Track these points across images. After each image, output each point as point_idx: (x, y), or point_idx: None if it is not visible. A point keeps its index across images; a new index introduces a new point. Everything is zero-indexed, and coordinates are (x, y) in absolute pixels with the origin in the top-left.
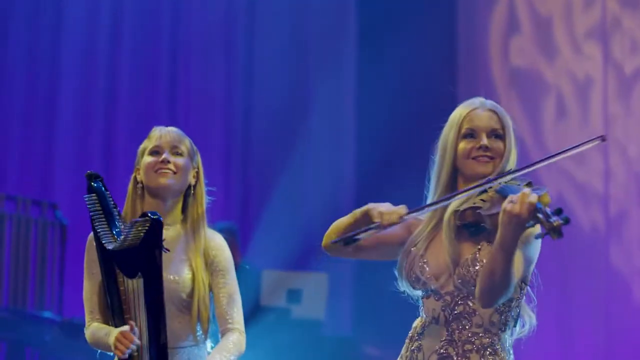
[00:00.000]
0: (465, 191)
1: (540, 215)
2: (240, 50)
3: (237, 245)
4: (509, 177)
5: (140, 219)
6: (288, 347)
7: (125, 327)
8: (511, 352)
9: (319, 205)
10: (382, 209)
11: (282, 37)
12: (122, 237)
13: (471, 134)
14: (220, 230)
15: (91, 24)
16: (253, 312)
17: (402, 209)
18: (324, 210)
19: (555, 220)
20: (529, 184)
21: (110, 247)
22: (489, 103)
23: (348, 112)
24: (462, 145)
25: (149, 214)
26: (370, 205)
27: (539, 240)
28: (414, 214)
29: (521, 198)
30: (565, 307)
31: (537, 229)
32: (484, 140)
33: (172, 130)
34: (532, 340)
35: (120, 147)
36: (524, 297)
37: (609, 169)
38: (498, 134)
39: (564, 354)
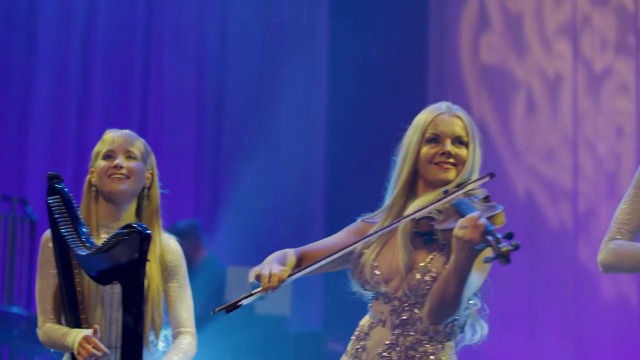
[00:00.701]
0: (403, 218)
1: (490, 239)
2: (212, 26)
3: (201, 241)
4: (461, 192)
5: (125, 230)
6: (253, 342)
7: (89, 331)
8: (455, 358)
9: (286, 201)
10: (265, 272)
11: (254, 23)
12: (101, 245)
13: (435, 139)
14: (183, 228)
15: (65, 21)
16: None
17: (283, 272)
18: (291, 206)
19: (505, 246)
20: (486, 198)
21: (82, 252)
22: (456, 108)
23: (319, 108)
24: (425, 149)
25: (136, 226)
26: (261, 266)
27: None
28: (296, 275)
29: (472, 223)
30: (534, 302)
31: (489, 251)
32: (448, 146)
33: (125, 133)
34: (502, 337)
35: (93, 143)
36: (477, 307)
37: (578, 165)
38: (462, 141)
39: (533, 349)
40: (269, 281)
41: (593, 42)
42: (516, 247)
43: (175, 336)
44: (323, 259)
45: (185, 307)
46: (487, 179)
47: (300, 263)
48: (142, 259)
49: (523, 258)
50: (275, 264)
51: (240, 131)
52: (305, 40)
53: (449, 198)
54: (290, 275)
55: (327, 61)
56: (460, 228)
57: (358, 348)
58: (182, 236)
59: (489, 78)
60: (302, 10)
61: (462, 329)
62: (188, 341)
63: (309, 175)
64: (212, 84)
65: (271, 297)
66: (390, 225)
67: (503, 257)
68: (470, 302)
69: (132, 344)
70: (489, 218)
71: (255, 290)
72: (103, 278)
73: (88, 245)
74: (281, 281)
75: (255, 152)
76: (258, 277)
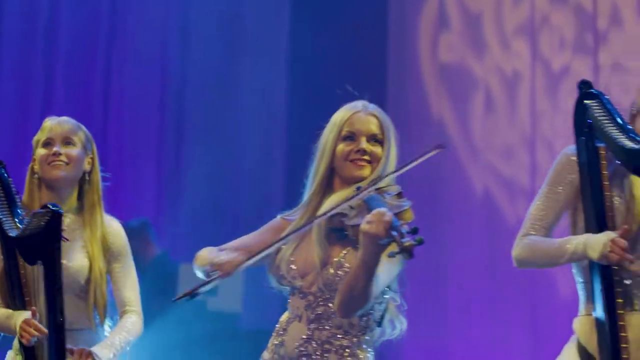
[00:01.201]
0: (316, 218)
1: (395, 234)
2: (174, 21)
3: (151, 238)
4: (373, 188)
5: (41, 210)
6: (204, 339)
7: (27, 313)
8: (371, 351)
9: (246, 200)
10: (220, 259)
11: (216, 19)
12: (24, 226)
13: (351, 137)
14: (134, 226)
15: (28, 15)
16: (170, 305)
17: (237, 258)
18: (251, 205)
19: (408, 241)
20: (399, 195)
21: (12, 234)
22: (372, 107)
23: (278, 106)
24: (341, 147)
25: (50, 206)
26: (209, 255)
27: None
28: (251, 261)
29: (378, 217)
30: (492, 299)
31: (394, 246)
32: (363, 144)
33: (64, 120)
34: (461, 335)
35: None
36: (395, 303)
37: (536, 164)
38: (377, 139)
39: (494, 348)
40: (222, 267)
41: (551, 41)
42: (420, 242)
43: (120, 315)
44: (268, 247)
45: (129, 286)
46: (437, 150)
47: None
48: (57, 237)
49: (481, 256)
50: (227, 252)
51: (201, 128)
52: (265, 38)
53: (361, 195)
54: (244, 261)
55: (287, 58)
56: (366, 223)
57: (277, 343)
58: (133, 234)
59: (447, 77)
60: (263, 9)
61: (379, 323)
62: (132, 320)
63: (268, 173)
64: (173, 79)
65: (223, 293)
66: (304, 226)
67: (406, 252)
68: (385, 296)
69: (54, 321)
70: (397, 214)
71: (213, 277)
72: (29, 257)
73: (20, 226)
74: (235, 267)
75: (216, 150)
76: (217, 266)
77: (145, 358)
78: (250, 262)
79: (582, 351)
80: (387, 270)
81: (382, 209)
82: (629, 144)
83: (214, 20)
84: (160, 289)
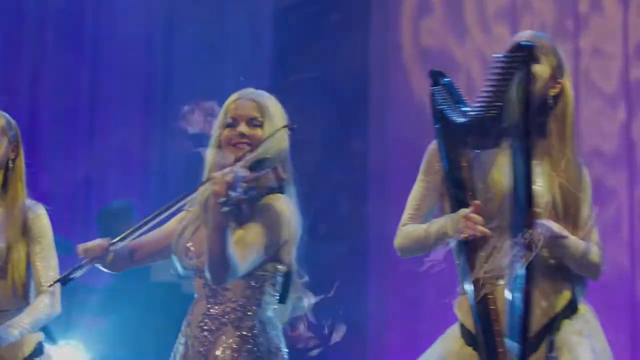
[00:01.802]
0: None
1: (231, 193)
2: None
3: (133, 223)
4: (243, 162)
5: None
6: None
7: None
8: (272, 325)
9: None
10: (87, 245)
11: None
12: None
13: (232, 123)
14: (116, 209)
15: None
16: (144, 288)
17: (104, 242)
18: None
19: (238, 196)
20: (274, 170)
21: None
22: (255, 93)
23: (262, 76)
24: (225, 132)
25: None
26: (80, 245)
27: (287, 222)
28: (120, 244)
29: (220, 178)
30: None
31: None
32: (241, 128)
33: None
34: (438, 310)
35: (45, 134)
36: (302, 279)
37: None
38: (257, 122)
39: None
40: (92, 251)
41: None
42: (249, 198)
43: (37, 296)
44: (138, 227)
45: (47, 268)
46: (281, 128)
47: (132, 254)
48: None
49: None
50: (99, 239)
51: (187, 87)
52: (249, 3)
53: (226, 170)
54: (112, 244)
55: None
56: (212, 183)
57: (185, 325)
58: (115, 216)
59: (429, 61)
60: None
61: (281, 299)
62: (45, 301)
63: None
64: (158, 45)
65: None
66: (172, 205)
67: (233, 205)
68: (279, 267)
69: None
70: (256, 179)
71: (84, 261)
72: None
73: None
74: (103, 249)
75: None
76: (85, 251)
77: (118, 339)
78: (118, 244)
79: (463, 329)
80: (257, 236)
81: (225, 171)
82: (459, 119)
83: None
84: (133, 272)
